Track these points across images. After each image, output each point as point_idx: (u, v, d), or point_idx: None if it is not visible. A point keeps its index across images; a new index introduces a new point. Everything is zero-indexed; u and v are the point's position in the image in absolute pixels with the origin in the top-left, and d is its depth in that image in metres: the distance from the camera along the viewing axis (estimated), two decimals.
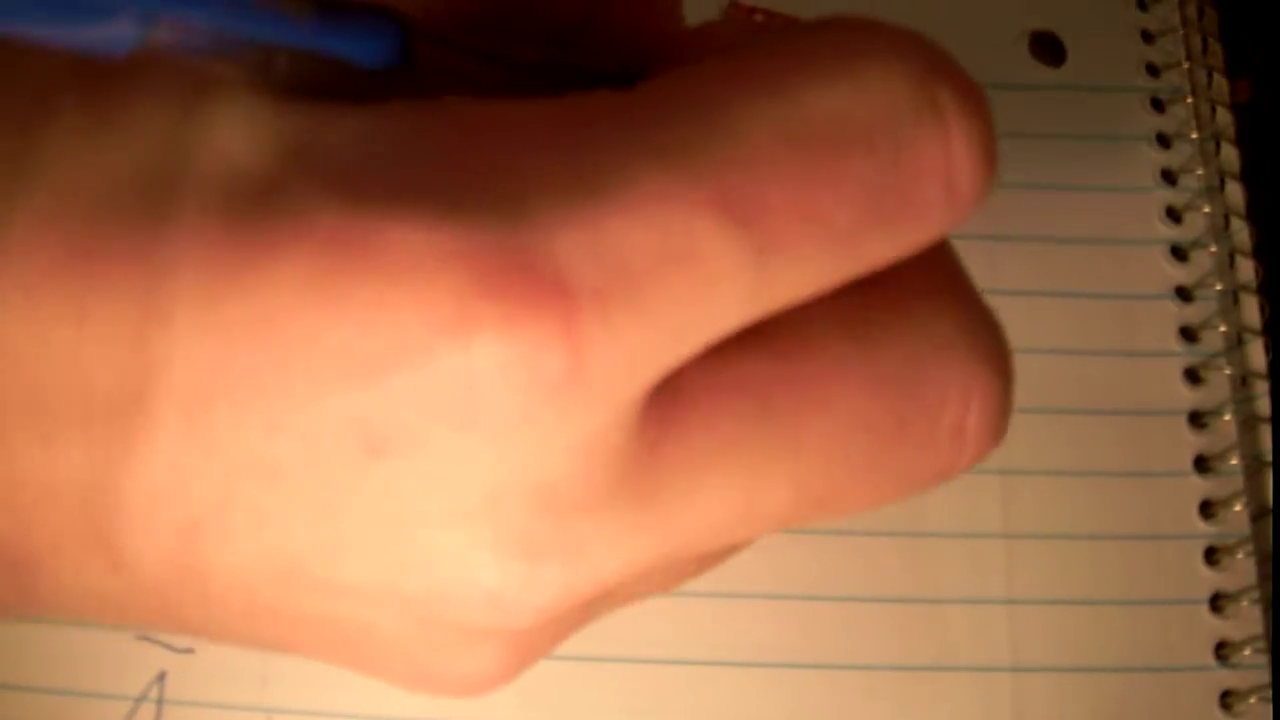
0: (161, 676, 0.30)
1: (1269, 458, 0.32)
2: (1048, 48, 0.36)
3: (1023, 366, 0.33)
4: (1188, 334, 0.33)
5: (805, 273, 0.13)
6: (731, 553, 0.16)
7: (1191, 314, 0.34)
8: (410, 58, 0.14)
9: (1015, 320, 0.33)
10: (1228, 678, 0.30)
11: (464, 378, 0.12)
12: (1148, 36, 0.36)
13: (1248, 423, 0.32)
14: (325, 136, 0.13)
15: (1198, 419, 0.33)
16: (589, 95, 0.13)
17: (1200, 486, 0.32)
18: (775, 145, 0.13)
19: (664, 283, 0.12)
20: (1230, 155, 0.35)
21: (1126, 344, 0.33)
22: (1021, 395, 0.32)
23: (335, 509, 0.13)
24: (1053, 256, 0.34)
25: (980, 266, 0.33)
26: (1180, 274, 0.34)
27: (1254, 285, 0.34)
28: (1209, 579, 0.31)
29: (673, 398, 0.13)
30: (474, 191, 0.12)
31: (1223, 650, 0.31)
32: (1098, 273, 0.34)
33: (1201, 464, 0.32)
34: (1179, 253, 0.34)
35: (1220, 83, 0.36)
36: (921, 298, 0.15)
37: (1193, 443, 0.32)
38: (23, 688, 0.30)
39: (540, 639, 0.15)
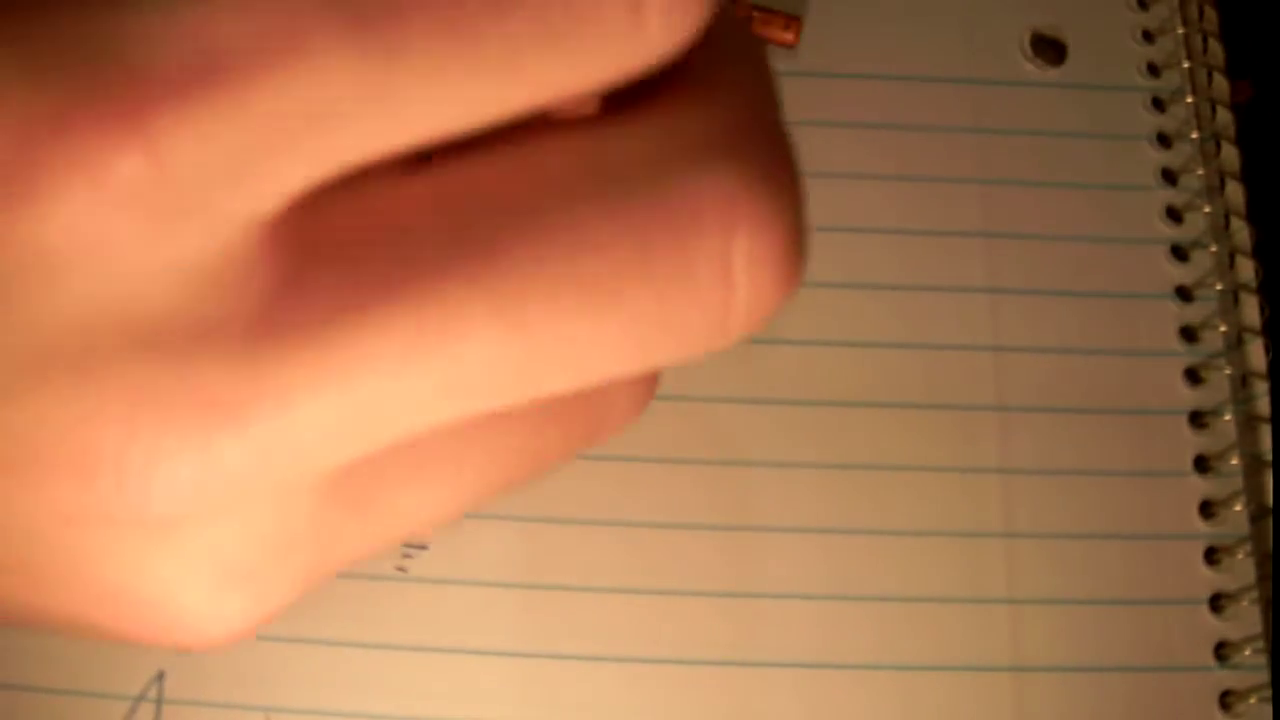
0: (160, 676, 0.30)
1: (1269, 458, 0.32)
2: (1049, 47, 0.36)
3: (1023, 366, 0.33)
4: (1188, 334, 0.33)
5: (455, 94, 0.11)
6: (507, 460, 0.13)
7: (1192, 314, 0.34)
8: None
9: (1015, 319, 0.33)
10: (1228, 678, 0.30)
11: (17, 182, 0.10)
12: (1148, 36, 0.37)
13: (1248, 423, 0.32)
14: None
15: (1198, 419, 0.33)
16: None
17: (1200, 486, 0.32)
18: None
19: (260, 78, 0.10)
20: (1230, 155, 0.35)
21: (1126, 344, 0.33)
22: (1021, 394, 0.32)
23: None
24: (1053, 255, 0.34)
25: (980, 264, 0.34)
26: (1180, 274, 0.34)
27: (1254, 285, 0.34)
28: (1209, 579, 0.31)
29: (336, 214, 0.11)
30: None
31: (1223, 650, 0.31)
32: (1098, 272, 0.34)
33: (1201, 464, 0.32)
34: (1179, 252, 0.34)
35: (1220, 82, 0.36)
36: (686, 89, 0.12)
37: (1193, 443, 0.32)
38: (23, 687, 0.30)
39: (240, 555, 0.12)
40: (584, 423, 0.14)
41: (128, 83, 0.10)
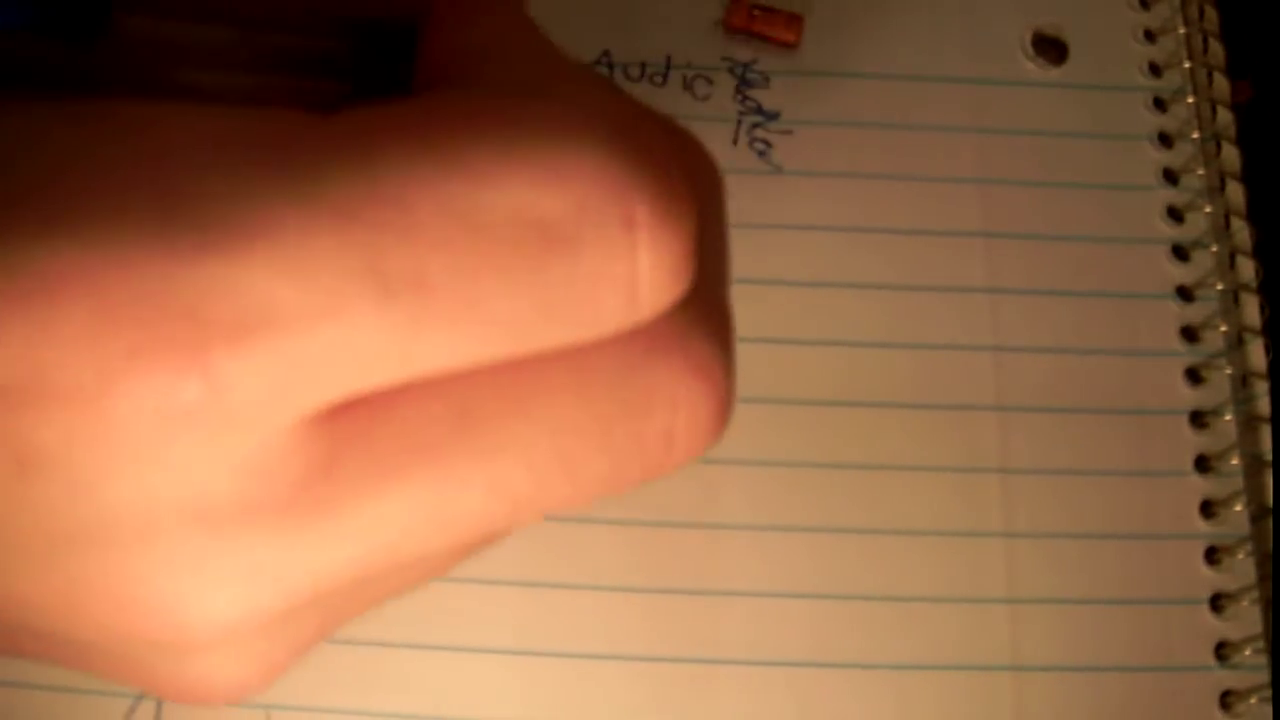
0: None
1: (1269, 458, 0.32)
2: (1050, 46, 0.36)
3: (1023, 366, 0.33)
4: (1189, 334, 0.33)
5: (463, 350, 0.13)
6: (460, 551, 0.16)
7: (1192, 314, 0.34)
8: (109, 29, 0.14)
9: (1015, 319, 0.33)
10: (1228, 678, 0.30)
11: (95, 404, 0.12)
12: (1149, 36, 0.37)
13: (1248, 423, 0.32)
14: None
15: (1198, 419, 0.33)
16: (279, 117, 0.13)
17: (1200, 486, 0.32)
18: (444, 224, 0.13)
19: (303, 333, 0.12)
20: (1231, 155, 0.35)
21: (1127, 343, 0.33)
22: (1021, 394, 0.32)
23: (1, 521, 0.13)
24: (1054, 255, 0.34)
25: (980, 264, 0.34)
26: (1181, 273, 0.34)
27: (1255, 285, 0.34)
28: (1209, 579, 0.31)
29: (357, 408, 0.13)
30: (120, 212, 0.12)
31: (1223, 650, 0.31)
32: (1099, 272, 0.34)
33: (1202, 464, 0.32)
34: (1180, 252, 0.34)
35: (1221, 82, 0.36)
36: None
37: (1193, 442, 0.32)
38: (24, 684, 0.30)
39: (266, 646, 0.15)
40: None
41: (193, 328, 0.12)
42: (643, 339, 0.14)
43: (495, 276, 0.13)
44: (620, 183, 0.13)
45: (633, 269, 0.13)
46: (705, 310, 0.15)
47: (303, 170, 0.13)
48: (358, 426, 0.13)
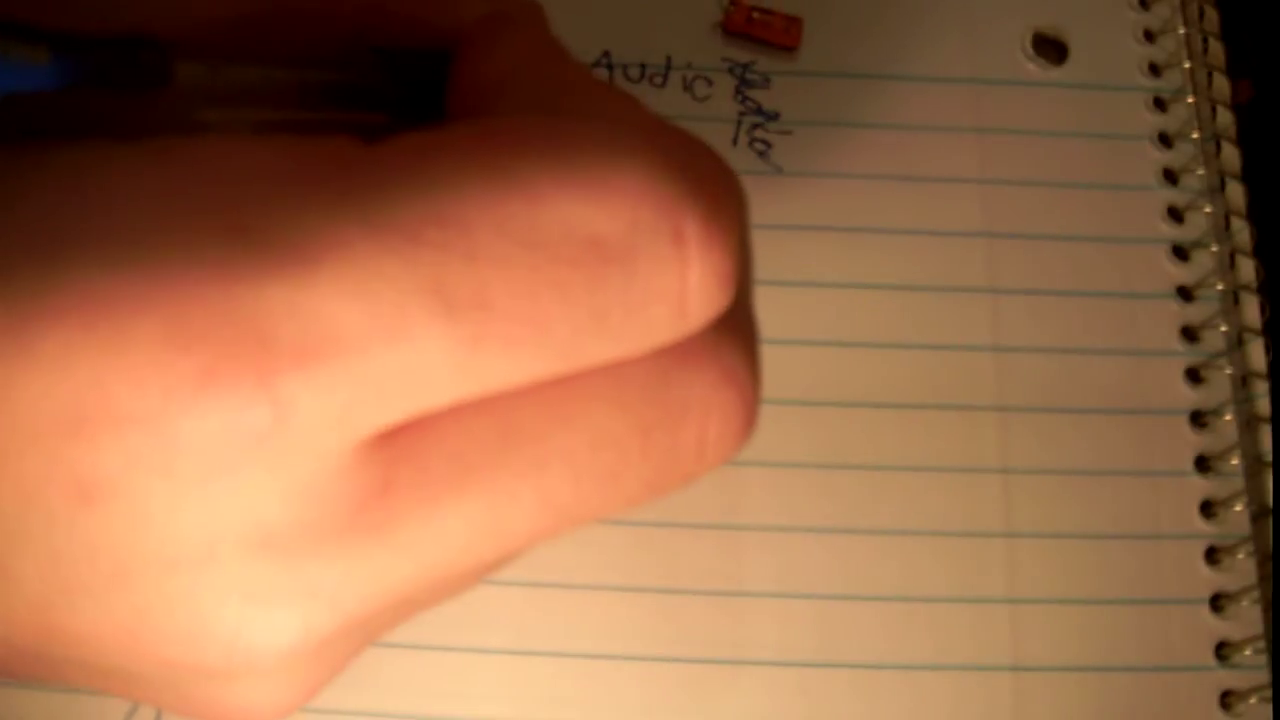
0: None
1: (1269, 458, 0.32)
2: (1050, 46, 0.36)
3: (1023, 366, 0.33)
4: (1189, 334, 0.33)
5: (521, 367, 0.13)
6: (504, 561, 0.16)
7: (1193, 314, 0.34)
8: (169, 78, 0.14)
9: (1016, 319, 0.33)
10: (1228, 678, 0.30)
11: (162, 429, 0.12)
12: (1149, 36, 0.37)
13: (1248, 423, 0.32)
14: (29, 188, 0.13)
15: (1199, 419, 0.33)
16: (333, 144, 0.14)
17: (1201, 486, 0.32)
18: (503, 243, 0.13)
19: (369, 353, 0.12)
20: (1231, 155, 0.35)
21: (1128, 343, 0.33)
22: (1021, 394, 0.33)
23: (60, 555, 0.13)
24: (1054, 255, 0.34)
25: (981, 264, 0.34)
26: (1181, 274, 0.34)
27: (1255, 285, 0.34)
28: (1209, 579, 0.31)
29: (408, 429, 0.14)
30: (185, 238, 0.12)
31: (1223, 650, 0.31)
32: (1099, 272, 0.34)
33: (1202, 464, 0.32)
34: (1180, 252, 0.34)
35: (1221, 82, 0.36)
36: None
37: (1194, 442, 0.32)
38: (24, 685, 0.30)
39: (310, 668, 0.15)
40: None
41: (261, 350, 0.12)
42: (677, 348, 0.14)
43: (553, 293, 0.13)
44: (669, 199, 0.13)
45: (683, 282, 0.14)
46: (735, 320, 0.15)
47: (363, 194, 0.13)
48: (409, 447, 0.14)
